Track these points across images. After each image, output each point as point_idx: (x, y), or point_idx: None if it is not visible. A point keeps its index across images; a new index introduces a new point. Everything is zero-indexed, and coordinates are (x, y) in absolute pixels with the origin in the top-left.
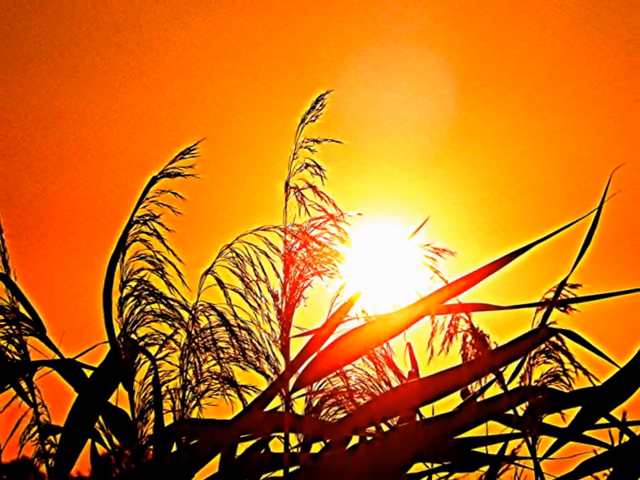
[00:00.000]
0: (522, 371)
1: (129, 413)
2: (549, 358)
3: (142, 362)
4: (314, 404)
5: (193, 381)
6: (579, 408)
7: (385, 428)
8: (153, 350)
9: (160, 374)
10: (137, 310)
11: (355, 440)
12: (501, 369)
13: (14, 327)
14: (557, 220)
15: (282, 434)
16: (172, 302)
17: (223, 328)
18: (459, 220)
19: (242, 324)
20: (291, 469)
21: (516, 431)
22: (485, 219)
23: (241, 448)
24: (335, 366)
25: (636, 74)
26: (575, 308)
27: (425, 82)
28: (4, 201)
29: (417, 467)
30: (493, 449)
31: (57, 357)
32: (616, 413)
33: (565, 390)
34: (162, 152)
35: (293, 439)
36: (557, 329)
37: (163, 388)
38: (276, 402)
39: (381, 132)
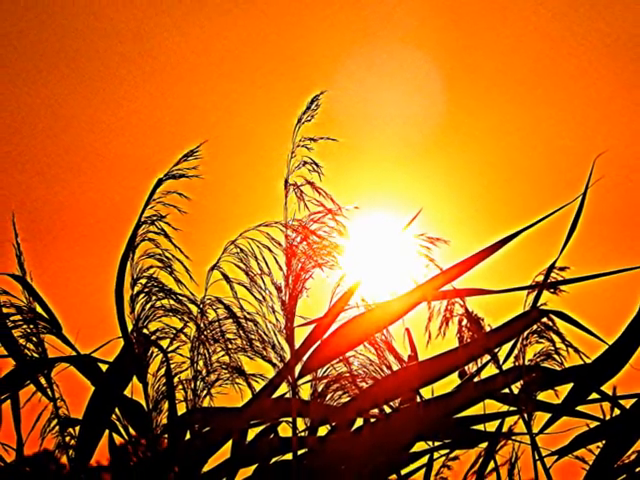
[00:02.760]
0: (516, 351)
1: (144, 404)
2: (541, 338)
3: (154, 355)
4: (319, 389)
5: (203, 372)
6: (571, 384)
7: (387, 410)
8: (164, 343)
9: (172, 366)
10: (148, 306)
11: (359, 422)
12: (496, 350)
13: (32, 326)
14: (544, 207)
15: (290, 419)
16: (181, 297)
17: (230, 320)
18: (451, 210)
19: (248, 316)
20: (299, 452)
21: (512, 408)
22: (476, 208)
23: (251, 434)
24: (338, 353)
25: (615, 66)
26: (564, 290)
27: (415, 80)
28: (18, 207)
29: (419, 446)
30: (491, 426)
31: (73, 353)
32: (607, 388)
33: (557, 368)
34: (166, 155)
35: (300, 423)
36: (548, 310)
37: (175, 379)
38: (283, 389)
39: (375, 129)
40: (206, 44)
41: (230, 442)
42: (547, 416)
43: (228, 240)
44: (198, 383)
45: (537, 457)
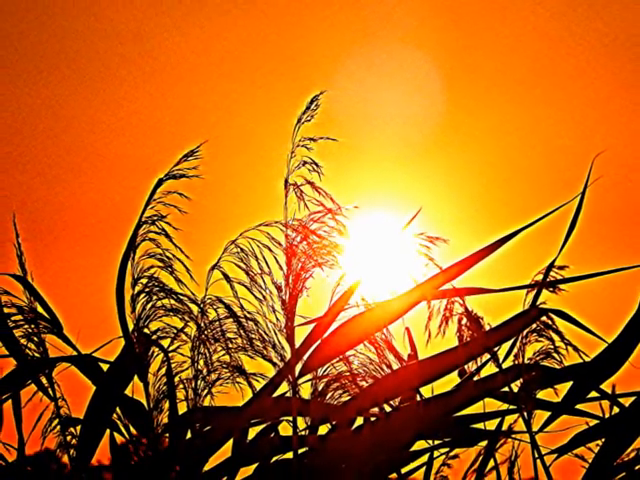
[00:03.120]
0: (515, 350)
1: (145, 403)
2: (540, 337)
3: (155, 355)
4: (320, 388)
5: (204, 371)
6: (571, 383)
7: (388, 409)
8: (165, 343)
9: (173, 365)
10: (149, 305)
11: (360, 421)
12: (495, 349)
13: (33, 326)
14: (543, 206)
15: (290, 418)
16: (182, 297)
17: (231, 320)
18: (450, 209)
19: (249, 315)
20: (300, 451)
21: (512, 407)
22: (475, 207)
23: (252, 433)
24: (338, 352)
25: (613, 66)
26: (563, 288)
27: (414, 80)
28: (19, 207)
29: (419, 444)
30: (491, 425)
31: (74, 353)
32: (606, 386)
33: (557, 366)
34: (167, 155)
35: (301, 422)
36: (547, 309)
37: (176, 378)
38: (284, 388)
39: (374, 129)
40: (206, 44)
41: (231, 441)
42: (547, 414)
43: (228, 240)
44: (199, 382)
45: (537, 455)
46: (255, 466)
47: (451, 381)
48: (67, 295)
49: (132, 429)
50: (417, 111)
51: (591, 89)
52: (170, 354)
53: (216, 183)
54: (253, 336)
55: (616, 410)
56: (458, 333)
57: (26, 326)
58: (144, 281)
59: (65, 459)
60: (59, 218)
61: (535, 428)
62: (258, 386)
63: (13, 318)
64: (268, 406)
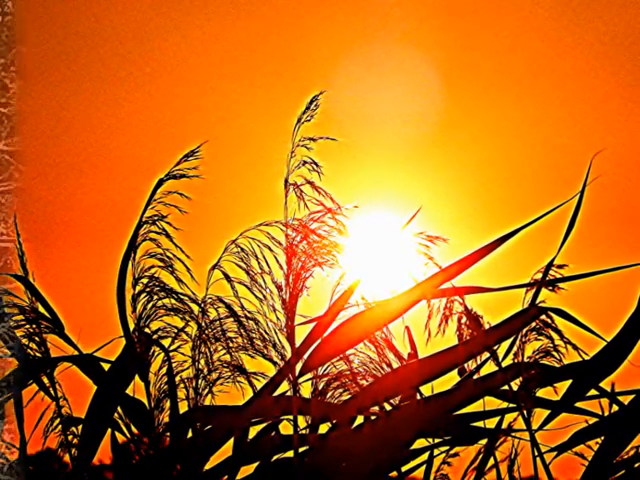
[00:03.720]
0: (515, 348)
1: (146, 403)
2: (540, 335)
3: (156, 354)
4: (320, 387)
5: (205, 370)
6: (570, 381)
7: (388, 407)
8: (166, 342)
9: (174, 365)
10: (149, 305)
11: (360, 420)
12: (495, 347)
13: (34, 326)
14: (542, 205)
15: (291, 417)
16: (182, 296)
17: (231, 319)
18: (450, 208)
19: (249, 315)
20: (301, 449)
21: (511, 405)
22: (474, 206)
23: (253, 432)
24: (338, 351)
25: (612, 65)
26: (563, 287)
27: (413, 80)
28: (20, 207)
29: (419, 443)
30: (490, 423)
31: (76, 353)
32: (605, 384)
33: (556, 365)
34: (167, 155)
35: (301, 421)
36: (546, 308)
37: (177, 378)
38: (284, 387)
39: (373, 128)
40: (206, 45)
41: (232, 440)
42: (546, 412)
43: (229, 239)
44: (200, 382)
45: (536, 453)
46: (256, 465)
47: (451, 380)
48: (68, 295)
49: (133, 428)
50: (416, 110)
51: (590, 88)
52: (171, 353)
53: (216, 183)
54: (254, 335)
55: (615, 408)
56: (458, 332)
57: (28, 326)
58: (145, 281)
59: (66, 458)
60: (60, 218)
61: (535, 426)
62: (259, 385)
63: (15, 318)
64: (269, 405)
